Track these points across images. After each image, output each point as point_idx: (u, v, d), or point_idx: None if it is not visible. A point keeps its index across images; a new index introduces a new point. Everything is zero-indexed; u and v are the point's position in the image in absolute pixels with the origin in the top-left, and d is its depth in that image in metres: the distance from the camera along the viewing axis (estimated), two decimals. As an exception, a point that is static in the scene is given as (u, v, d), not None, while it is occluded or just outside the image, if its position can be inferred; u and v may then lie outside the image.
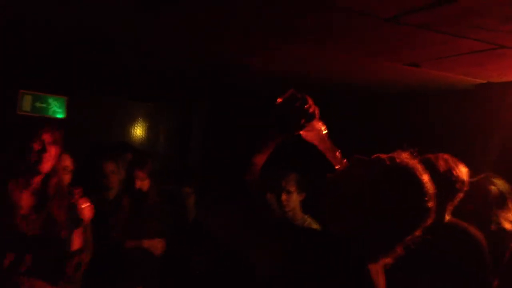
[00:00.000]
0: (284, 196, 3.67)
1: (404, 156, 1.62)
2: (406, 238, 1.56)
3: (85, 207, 2.38)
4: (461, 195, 2.51)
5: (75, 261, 2.31)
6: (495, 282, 2.06)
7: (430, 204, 1.55)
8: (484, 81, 3.96)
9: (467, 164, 2.89)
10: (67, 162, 3.64)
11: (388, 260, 1.59)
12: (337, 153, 1.72)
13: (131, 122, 6.46)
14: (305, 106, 1.66)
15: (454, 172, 2.44)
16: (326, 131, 1.73)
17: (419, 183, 1.55)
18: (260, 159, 1.65)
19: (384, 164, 1.58)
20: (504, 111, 3.92)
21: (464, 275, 2.37)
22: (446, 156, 2.51)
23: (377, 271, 1.60)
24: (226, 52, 3.81)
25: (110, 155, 4.36)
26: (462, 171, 2.50)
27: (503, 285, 2.00)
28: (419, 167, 1.59)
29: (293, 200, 3.68)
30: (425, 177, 1.57)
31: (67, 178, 3.64)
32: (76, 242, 2.35)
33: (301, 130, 1.69)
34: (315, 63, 3.89)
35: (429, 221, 1.57)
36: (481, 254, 2.45)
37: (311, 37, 3.18)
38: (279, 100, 1.68)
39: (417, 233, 1.56)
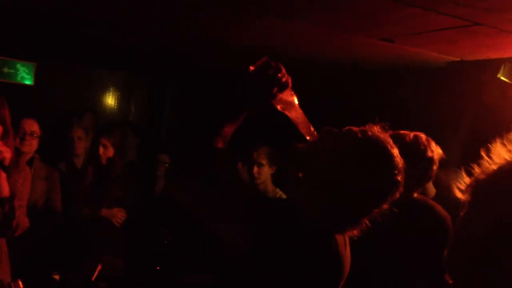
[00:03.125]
0: (255, 169, 3.67)
1: (375, 129, 1.61)
2: (374, 210, 1.56)
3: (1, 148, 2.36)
4: (431, 173, 2.51)
5: (5, 208, 2.32)
6: (445, 253, 2.08)
7: (399, 178, 1.55)
8: (457, 59, 3.97)
9: (438, 142, 2.91)
10: (34, 127, 3.61)
11: (354, 232, 1.59)
12: (308, 125, 1.70)
13: (102, 91, 6.34)
14: (279, 75, 1.63)
15: (424, 149, 2.44)
16: (298, 101, 1.71)
17: (389, 156, 1.55)
18: (229, 129, 1.61)
19: (355, 136, 1.57)
20: (476, 89, 3.95)
21: (429, 251, 2.40)
22: (418, 133, 2.51)
23: (344, 243, 1.60)
24: (199, 26, 3.75)
25: (79, 122, 4.30)
26: (434, 150, 2.50)
27: (451, 256, 2.02)
28: (389, 141, 1.59)
29: (265, 172, 3.69)
30: (395, 151, 1.57)
31: (34, 143, 3.62)
32: (4, 187, 2.34)
33: (273, 99, 1.66)
34: (289, 38, 3.84)
35: (397, 195, 1.57)
36: (446, 232, 2.47)
37: (284, 11, 3.13)
38: (251, 67, 1.64)
39: (385, 206, 1.56)
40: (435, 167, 2.49)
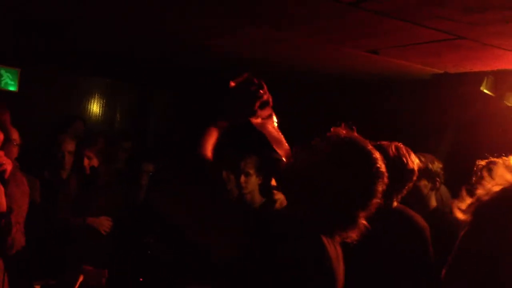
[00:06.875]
0: (242, 178, 3.64)
1: (348, 132, 1.60)
2: (361, 210, 1.53)
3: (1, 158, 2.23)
4: (410, 184, 2.52)
5: (1, 223, 2.20)
6: (443, 272, 2.09)
7: (381, 168, 1.54)
8: (441, 71, 4.02)
9: (421, 153, 2.93)
10: (15, 135, 3.56)
11: (349, 239, 1.56)
12: (284, 144, 1.67)
13: (87, 98, 6.30)
14: (260, 91, 1.61)
15: (405, 160, 2.45)
16: (277, 121, 1.68)
17: (366, 152, 1.54)
18: (208, 143, 1.58)
19: (334, 138, 1.57)
20: (458, 101, 3.99)
21: (407, 262, 2.41)
22: (399, 144, 2.52)
23: (337, 257, 1.58)
24: (186, 33, 3.75)
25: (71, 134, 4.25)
26: (414, 160, 2.51)
27: (450, 275, 2.04)
28: (364, 140, 1.58)
29: (252, 182, 3.66)
30: (377, 154, 1.56)
31: (14, 151, 3.56)
32: (1, 202, 2.23)
33: (252, 116, 1.63)
34: (276, 48, 3.86)
35: (382, 187, 1.54)
36: (423, 242, 2.48)
37: (271, 21, 3.14)
38: (232, 83, 1.63)
39: (370, 206, 1.54)
40: (415, 178, 2.51)
